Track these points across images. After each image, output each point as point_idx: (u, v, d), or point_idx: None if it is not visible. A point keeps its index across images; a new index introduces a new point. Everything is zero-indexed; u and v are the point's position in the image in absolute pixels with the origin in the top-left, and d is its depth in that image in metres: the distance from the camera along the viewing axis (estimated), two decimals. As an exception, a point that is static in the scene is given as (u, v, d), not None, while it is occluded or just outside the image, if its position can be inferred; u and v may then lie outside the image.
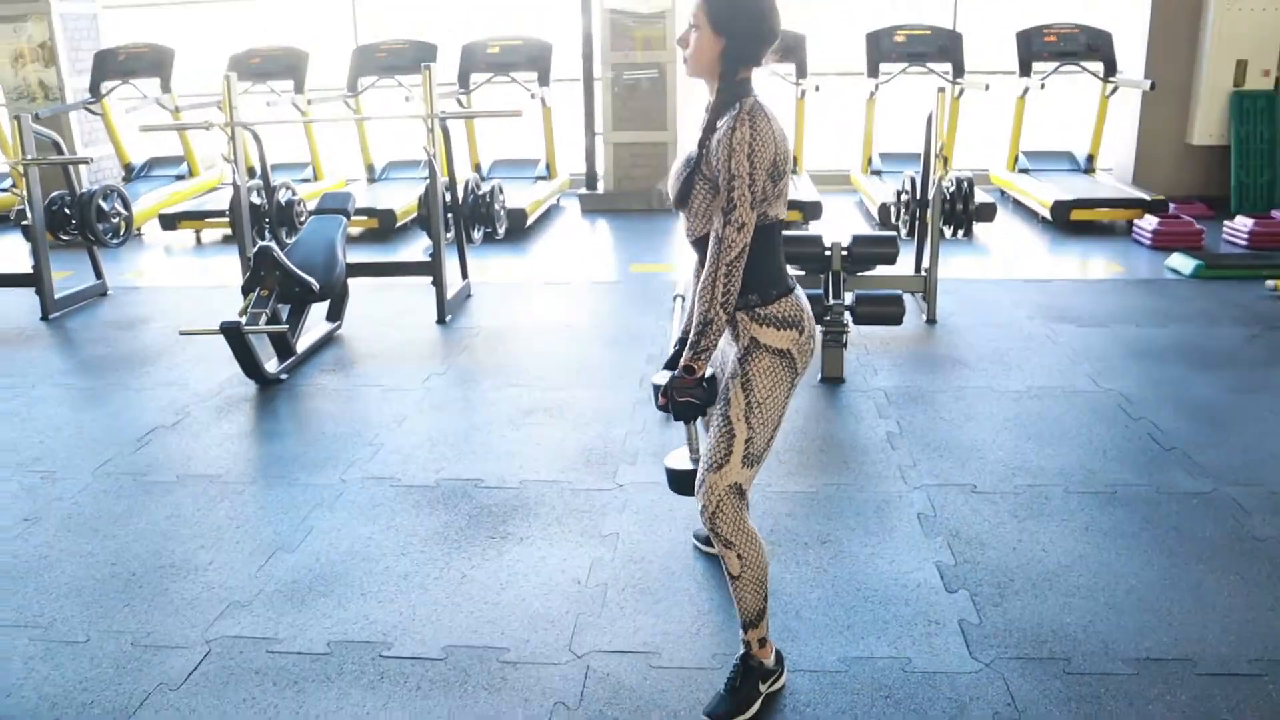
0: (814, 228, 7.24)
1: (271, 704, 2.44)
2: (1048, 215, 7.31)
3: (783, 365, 2.23)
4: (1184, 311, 5.36)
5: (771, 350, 2.21)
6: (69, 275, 6.62)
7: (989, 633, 2.63)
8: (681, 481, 2.53)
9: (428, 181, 5.55)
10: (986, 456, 3.69)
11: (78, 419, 4.37)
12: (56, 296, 6.00)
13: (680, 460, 2.56)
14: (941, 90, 5.04)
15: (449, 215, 6.02)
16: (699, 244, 2.24)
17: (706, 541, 3.08)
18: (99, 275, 6.36)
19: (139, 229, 8.33)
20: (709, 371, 2.25)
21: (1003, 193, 8.47)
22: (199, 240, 8.20)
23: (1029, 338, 4.99)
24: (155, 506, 3.52)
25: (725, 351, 2.34)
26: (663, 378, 2.27)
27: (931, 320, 5.29)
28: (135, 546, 3.23)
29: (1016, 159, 8.40)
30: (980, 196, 7.20)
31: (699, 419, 2.40)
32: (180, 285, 6.73)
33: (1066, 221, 7.23)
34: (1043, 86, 8.00)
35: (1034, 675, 2.45)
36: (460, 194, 6.05)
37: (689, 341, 2.19)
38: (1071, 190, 7.49)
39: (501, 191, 6.47)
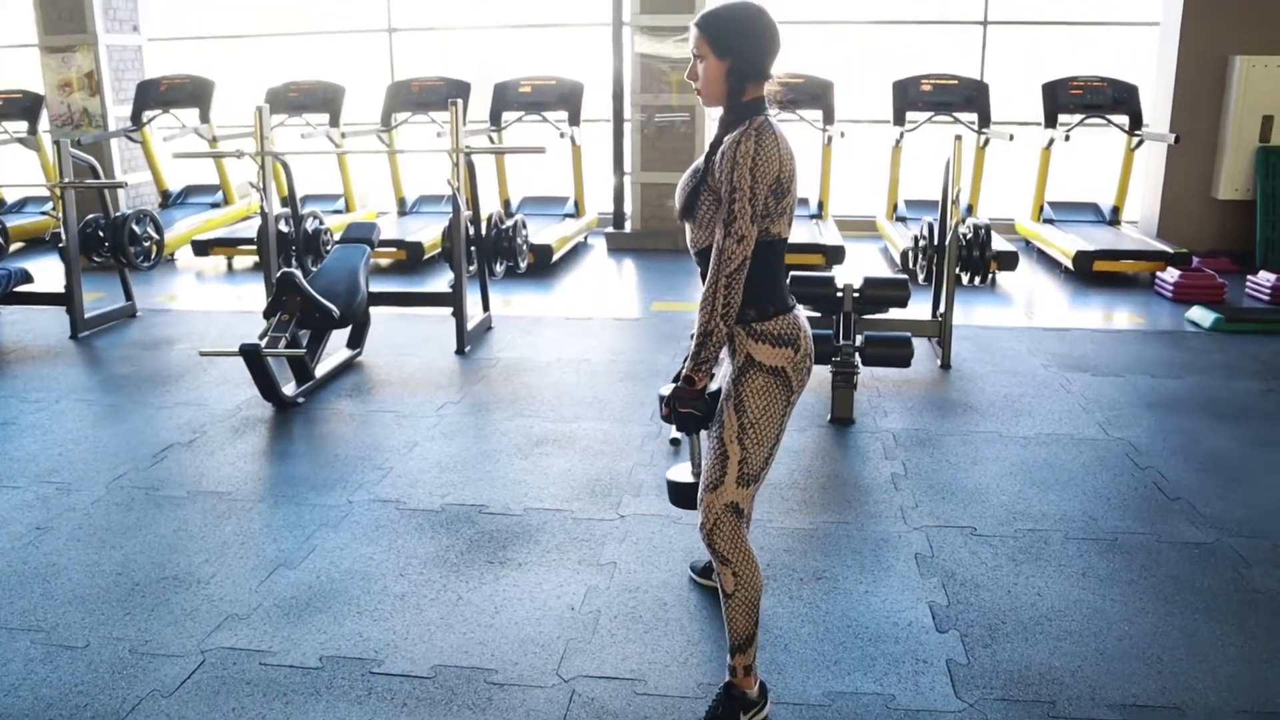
0: (836, 272, 7.28)
1: (260, 714, 2.48)
2: (1070, 266, 7.31)
3: (777, 384, 2.24)
4: (1201, 363, 5.33)
5: (766, 369, 2.23)
6: (102, 296, 6.79)
7: (976, 673, 2.62)
8: (682, 494, 2.58)
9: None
10: (989, 500, 3.68)
11: (96, 434, 4.47)
12: (86, 316, 6.15)
13: (682, 474, 2.61)
14: (958, 138, 5.09)
15: (472, 249, 6.13)
16: (702, 255, 2.28)
17: (703, 574, 3.09)
18: (129, 297, 6.51)
19: (172, 254, 8.53)
20: (713, 385, 2.29)
21: (1027, 243, 8.48)
22: (230, 266, 8.37)
23: (1042, 385, 4.98)
24: (164, 520, 3.59)
25: (723, 362, 2.38)
26: (669, 389, 2.32)
27: (946, 365, 5.30)
28: (141, 558, 3.30)
29: (1041, 209, 8.41)
30: (1002, 245, 7.25)
31: (702, 432, 2.43)
32: (208, 309, 6.86)
33: (1089, 272, 7.21)
34: (1067, 138, 8.03)
35: (1017, 717, 2.44)
36: (483, 228, 6.15)
37: (690, 353, 2.23)
38: (1095, 241, 7.49)
39: (524, 226, 6.58)
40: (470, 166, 5.84)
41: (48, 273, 7.26)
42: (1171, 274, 6.81)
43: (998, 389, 4.93)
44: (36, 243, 8.92)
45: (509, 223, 6.28)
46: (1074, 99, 8.00)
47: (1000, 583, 3.09)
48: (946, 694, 2.54)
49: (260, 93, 9.05)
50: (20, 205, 9.56)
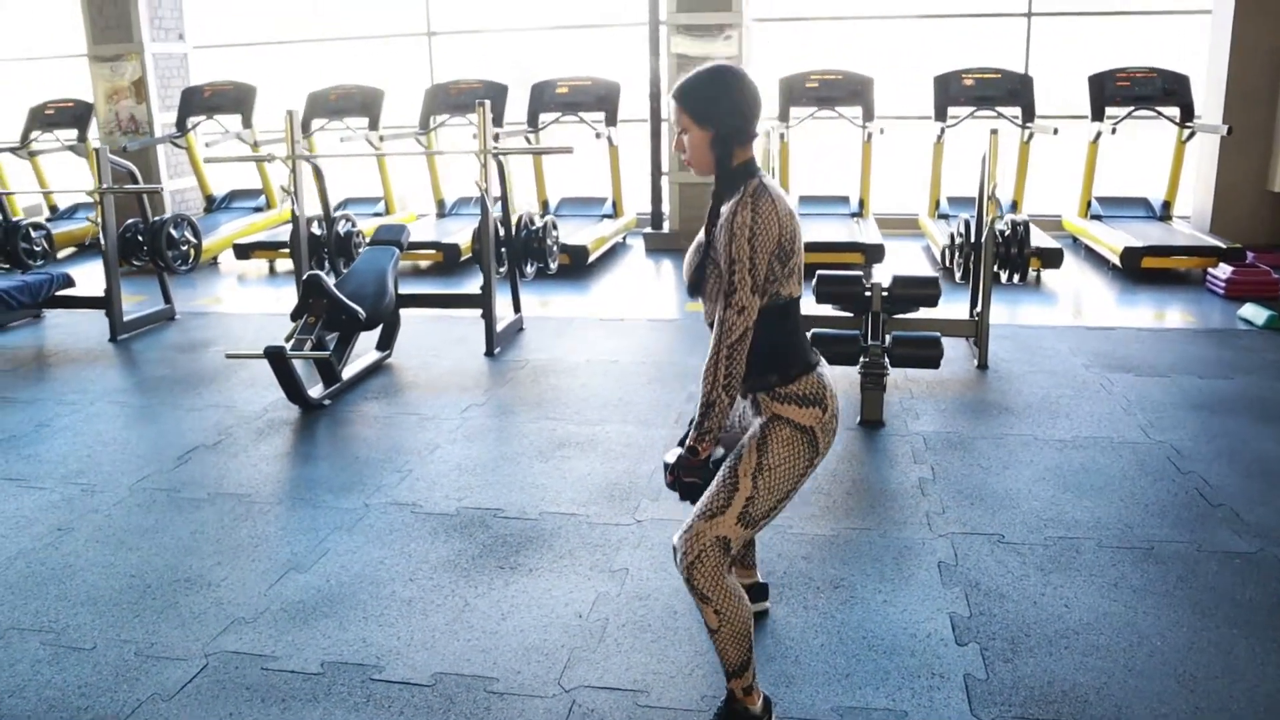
0: (876, 271, 7.15)
1: (256, 721, 2.46)
2: (1118, 262, 7.08)
3: (803, 441, 2.18)
4: (1252, 363, 5.11)
5: (794, 424, 2.18)
6: (143, 300, 6.90)
7: (995, 689, 2.51)
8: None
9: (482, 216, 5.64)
10: (1019, 506, 3.55)
11: (126, 435, 4.51)
12: (126, 319, 6.23)
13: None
14: (994, 132, 4.94)
15: (503, 250, 6.10)
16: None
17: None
18: (167, 300, 6.60)
19: (215, 258, 8.64)
20: (717, 452, 2.23)
21: (1075, 240, 8.25)
22: (272, 270, 8.46)
23: (1082, 386, 4.81)
24: (182, 522, 3.59)
25: (746, 414, 2.32)
26: (673, 455, 2.25)
27: (983, 366, 5.15)
28: (156, 560, 3.30)
29: (1089, 205, 8.17)
30: (1047, 242, 7.06)
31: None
32: (246, 312, 6.92)
33: (1137, 269, 6.99)
34: (1113, 131, 7.79)
35: (1036, 736, 2.33)
36: (513, 229, 6.12)
37: (694, 422, 2.19)
38: (1144, 237, 7.25)
39: (555, 227, 6.54)
40: (501, 167, 5.81)
41: (91, 277, 7.38)
42: (1223, 270, 6.56)
43: (1035, 390, 4.77)
44: (85, 248, 9.09)
45: (539, 224, 6.25)
46: (1122, 91, 7.76)
47: (1026, 593, 2.96)
48: (962, 710, 2.43)
49: (302, 98, 9.15)
50: (71, 211, 9.77)
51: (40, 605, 3.04)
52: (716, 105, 2.13)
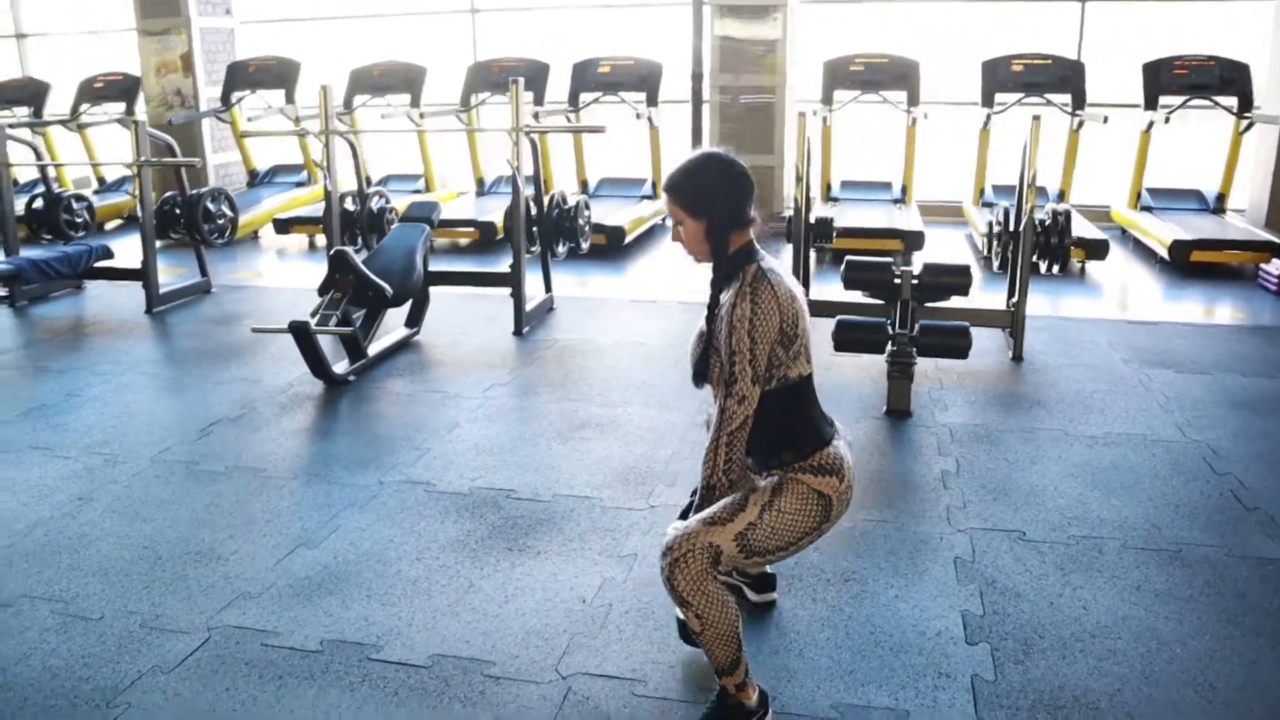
0: (916, 259, 7.01)
1: (251, 696, 2.45)
2: (1166, 256, 6.87)
3: (817, 503, 2.18)
4: (1301, 363, 4.93)
5: (811, 487, 2.17)
6: (183, 273, 6.97)
7: (1002, 692, 2.43)
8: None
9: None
10: (1044, 503, 3.45)
11: (152, 407, 4.55)
12: (161, 291, 6.30)
13: None
14: (1036, 118, 4.79)
15: (534, 229, 6.07)
16: None
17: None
18: (204, 273, 6.66)
19: (256, 232, 8.72)
20: None
21: (1123, 231, 8.02)
22: (312, 244, 8.51)
23: (1119, 381, 4.67)
24: (198, 495, 3.61)
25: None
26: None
27: (1017, 358, 5.02)
28: (169, 532, 3.32)
29: (1139, 196, 7.93)
30: (1093, 233, 6.88)
31: None
32: (283, 286, 6.96)
33: (1186, 263, 6.77)
34: (1166, 121, 7.54)
35: (1042, 742, 2.25)
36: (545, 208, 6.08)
37: (695, 506, 2.21)
38: (1194, 230, 7.02)
39: (588, 207, 6.48)
40: (534, 146, 5.77)
41: (132, 250, 7.48)
42: (1276, 266, 6.33)
43: (1070, 384, 4.64)
44: (129, 220, 9.22)
45: (571, 203, 6.20)
46: (1177, 79, 7.51)
47: (1044, 593, 2.87)
48: (967, 712, 2.35)
49: (346, 74, 9.17)
50: (119, 184, 9.90)
51: (54, 574, 3.07)
52: (708, 195, 2.15)
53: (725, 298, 2.14)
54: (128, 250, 6.90)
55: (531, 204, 5.95)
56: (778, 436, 2.19)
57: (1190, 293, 6.48)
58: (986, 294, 6.05)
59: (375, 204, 6.53)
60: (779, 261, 2.25)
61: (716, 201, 2.14)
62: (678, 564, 2.11)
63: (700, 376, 2.26)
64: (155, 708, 2.42)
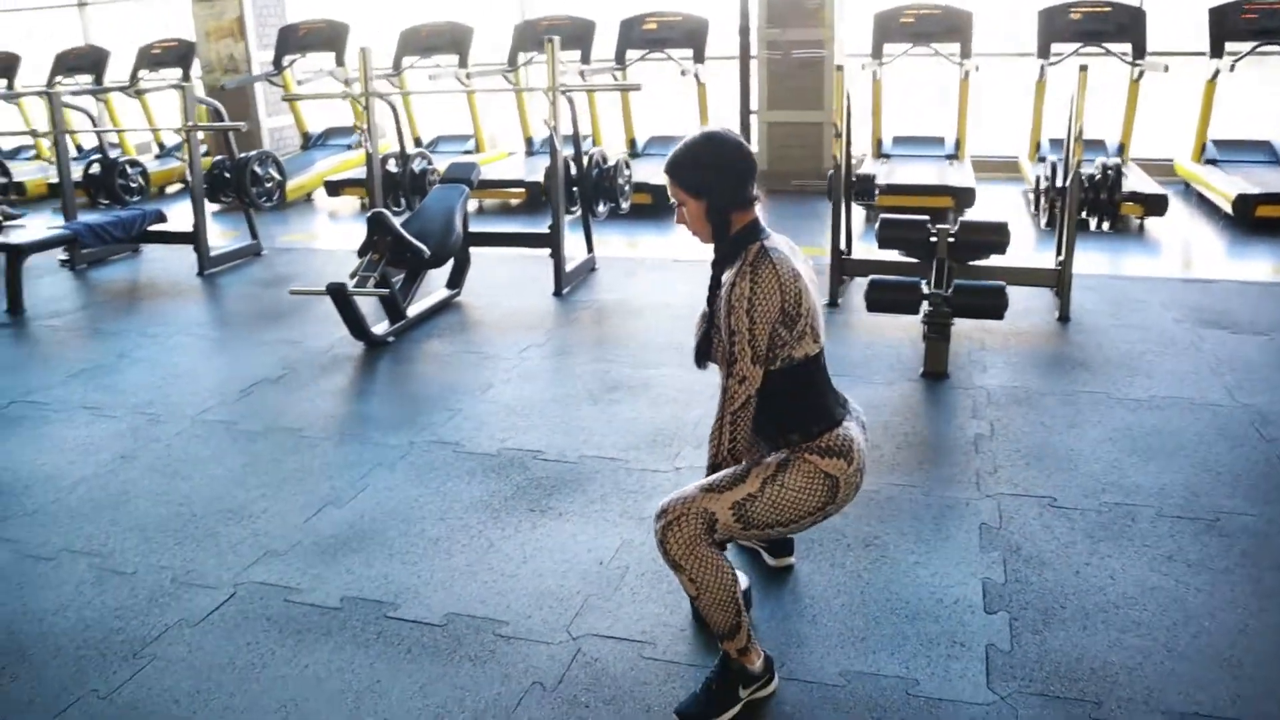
0: (967, 215, 6.85)
1: (270, 650, 2.52)
2: (1230, 210, 6.60)
3: (823, 483, 2.15)
4: (1366, 324, 4.72)
5: (818, 467, 2.15)
6: (236, 235, 7.10)
7: (1017, 662, 2.39)
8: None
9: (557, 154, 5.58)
10: (1078, 468, 3.36)
11: (197, 367, 4.66)
12: (212, 254, 6.42)
13: None
14: (1083, 68, 4.61)
15: (574, 189, 6.05)
16: None
17: (772, 552, 2.91)
18: (254, 235, 6.77)
19: (309, 194, 8.83)
20: None
21: (1187, 185, 7.73)
22: (363, 206, 8.57)
23: (1169, 342, 4.52)
24: (236, 454, 3.70)
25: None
26: None
27: (1064, 318, 4.88)
28: (204, 490, 3.41)
29: (1204, 149, 7.62)
30: (1151, 188, 6.64)
31: None
32: (333, 249, 7.05)
33: (1251, 218, 6.50)
34: (1232, 69, 7.21)
35: (1052, 717, 2.20)
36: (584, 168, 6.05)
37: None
38: (1261, 184, 6.73)
39: (628, 166, 6.43)
40: (571, 105, 5.73)
41: (186, 213, 7.63)
42: (1348, 221, 6.05)
43: (1116, 345, 4.50)
44: (186, 185, 9.39)
45: (611, 163, 6.16)
46: (1247, 25, 7.16)
47: (1070, 561, 2.81)
48: (978, 683, 2.32)
49: (395, 35, 9.19)
50: (177, 148, 10.08)
51: (94, 529, 3.17)
52: (707, 175, 2.13)
53: (726, 277, 2.13)
54: (183, 214, 7.04)
55: (571, 164, 5.93)
56: (785, 417, 2.18)
57: (1255, 250, 6.22)
58: (1037, 253, 5.89)
59: (418, 165, 6.56)
60: (786, 239, 2.22)
61: (715, 181, 2.13)
62: (670, 527, 2.10)
63: (702, 356, 2.26)
64: (178, 659, 2.50)
